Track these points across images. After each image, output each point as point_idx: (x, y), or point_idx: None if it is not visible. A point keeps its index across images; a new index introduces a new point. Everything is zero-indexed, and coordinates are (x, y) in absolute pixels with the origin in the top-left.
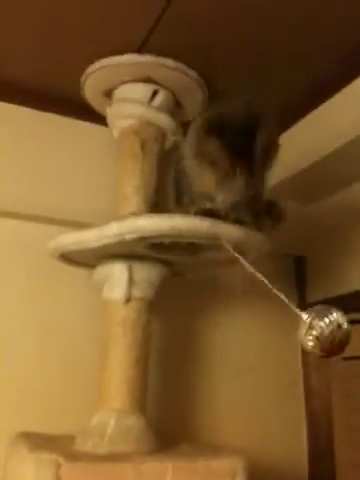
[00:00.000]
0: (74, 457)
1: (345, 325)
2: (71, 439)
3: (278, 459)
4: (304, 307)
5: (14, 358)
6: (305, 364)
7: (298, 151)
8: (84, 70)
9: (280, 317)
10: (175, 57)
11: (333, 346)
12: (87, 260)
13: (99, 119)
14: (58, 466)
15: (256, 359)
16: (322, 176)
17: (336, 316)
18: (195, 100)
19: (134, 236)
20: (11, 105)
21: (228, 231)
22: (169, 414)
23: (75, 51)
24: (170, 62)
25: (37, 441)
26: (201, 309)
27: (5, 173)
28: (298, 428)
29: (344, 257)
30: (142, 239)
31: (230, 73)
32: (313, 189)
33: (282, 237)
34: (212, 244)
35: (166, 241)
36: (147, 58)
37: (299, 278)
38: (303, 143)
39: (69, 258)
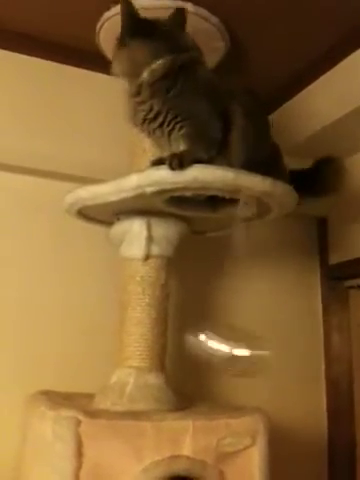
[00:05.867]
0: (94, 414)
1: None
2: (90, 397)
3: (297, 421)
4: (327, 268)
5: (34, 317)
6: (326, 327)
7: (320, 109)
8: (100, 17)
9: (300, 281)
10: (195, 1)
11: None
12: (105, 217)
13: None
14: (78, 423)
15: (275, 319)
16: (344, 135)
17: None
18: (216, 48)
19: (154, 189)
20: (24, 56)
21: (253, 182)
22: (188, 373)
23: None
24: (190, 6)
25: (56, 399)
26: (221, 269)
27: (22, 129)
28: (318, 391)
29: None
30: (163, 192)
31: (253, 23)
32: (335, 149)
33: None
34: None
35: (188, 194)
36: (165, 1)
37: (321, 240)
38: (327, 100)
39: (86, 215)
